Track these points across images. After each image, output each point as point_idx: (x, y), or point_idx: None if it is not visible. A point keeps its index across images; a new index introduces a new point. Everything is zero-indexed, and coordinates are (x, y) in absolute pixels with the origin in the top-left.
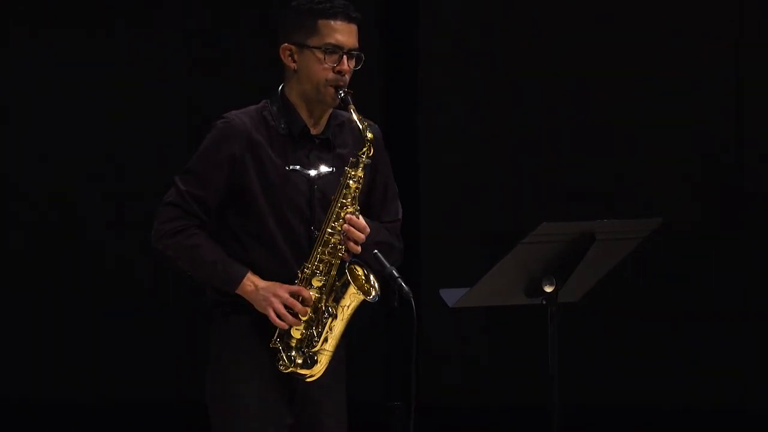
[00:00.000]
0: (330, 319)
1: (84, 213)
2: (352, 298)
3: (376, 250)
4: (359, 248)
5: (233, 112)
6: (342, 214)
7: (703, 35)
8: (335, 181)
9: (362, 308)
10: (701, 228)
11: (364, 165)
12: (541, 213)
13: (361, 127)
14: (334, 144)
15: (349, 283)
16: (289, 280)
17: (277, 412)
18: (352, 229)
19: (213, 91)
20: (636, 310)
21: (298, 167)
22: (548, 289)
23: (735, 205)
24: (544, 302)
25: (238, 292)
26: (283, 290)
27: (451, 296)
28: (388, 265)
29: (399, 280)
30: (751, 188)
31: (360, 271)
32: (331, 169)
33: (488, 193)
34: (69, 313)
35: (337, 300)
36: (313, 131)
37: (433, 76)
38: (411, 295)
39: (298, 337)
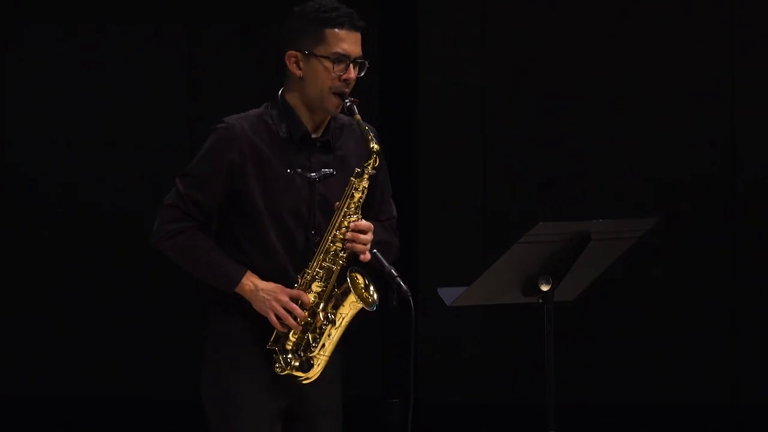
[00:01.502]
0: (329, 326)
1: (84, 211)
2: (351, 306)
3: (374, 250)
4: (368, 255)
5: (234, 116)
6: (345, 223)
7: (698, 41)
8: (336, 183)
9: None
10: (694, 228)
11: (369, 176)
12: (538, 212)
13: (367, 137)
14: (335, 146)
15: (350, 290)
16: (287, 284)
17: (271, 408)
18: (359, 235)
19: (214, 88)
20: (631, 309)
21: (299, 170)
22: (544, 287)
23: (728, 205)
24: (540, 301)
25: (237, 291)
26: (283, 294)
27: (449, 295)
28: (387, 265)
29: (398, 279)
30: (744, 191)
31: (361, 280)
32: (331, 171)
33: (486, 193)
34: (69, 310)
35: (337, 307)
36: (314, 135)
37: (431, 75)
38: (410, 294)
39: (295, 340)
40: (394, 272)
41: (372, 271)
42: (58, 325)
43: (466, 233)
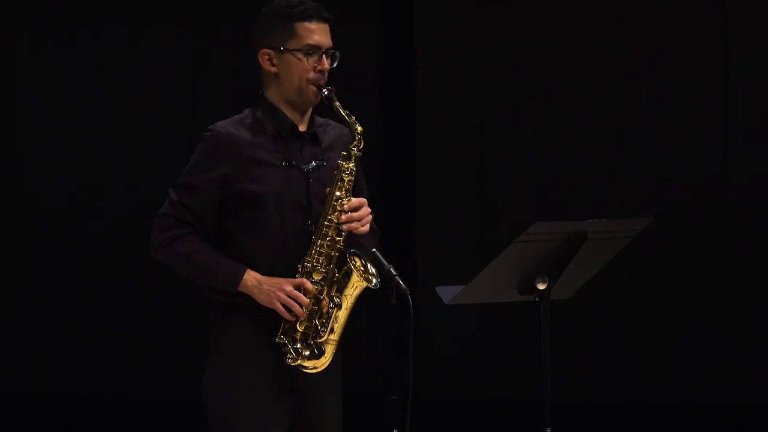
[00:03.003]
0: (335, 309)
1: (84, 209)
2: (355, 287)
3: (374, 249)
4: (367, 227)
5: (219, 122)
6: (338, 207)
7: (693, 48)
8: (327, 174)
9: (360, 304)
10: (689, 227)
11: (356, 157)
12: (534, 212)
13: (350, 120)
14: (321, 140)
15: (352, 271)
16: (291, 275)
17: (275, 410)
18: (353, 214)
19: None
20: (627, 307)
21: (293, 162)
22: (541, 286)
23: (721, 206)
24: (536, 299)
25: (240, 289)
26: (287, 284)
27: (447, 293)
28: (386, 264)
29: (396, 278)
30: (737, 192)
31: (358, 262)
32: (322, 162)
33: (483, 193)
34: (69, 308)
35: (341, 290)
36: (301, 128)
37: (430, 77)
38: (408, 293)
39: (302, 330)
40: (393, 271)
41: (368, 253)
42: (60, 322)
43: (463, 233)
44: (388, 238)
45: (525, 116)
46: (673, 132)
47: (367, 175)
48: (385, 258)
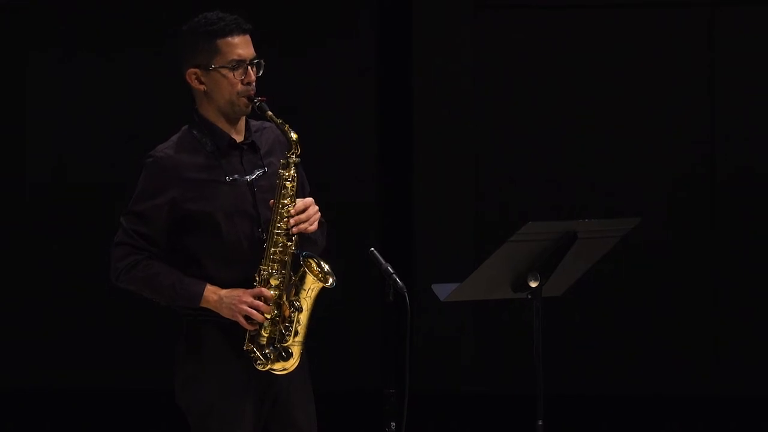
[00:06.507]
0: (296, 313)
1: (81, 207)
2: (312, 289)
3: (372, 248)
4: (316, 225)
5: (159, 147)
6: (285, 213)
7: (679, 55)
8: (270, 179)
9: (359, 302)
10: (677, 227)
11: (295, 164)
12: (528, 212)
13: (284, 129)
14: (259, 146)
15: (306, 273)
16: (250, 284)
17: (250, 414)
18: (301, 217)
19: None
20: (618, 303)
21: (236, 176)
22: (533, 284)
23: (708, 204)
24: (529, 296)
25: (202, 305)
26: (246, 295)
27: (443, 291)
28: (383, 263)
29: (394, 276)
30: (724, 190)
31: (313, 263)
32: (264, 170)
33: (478, 194)
34: (67, 304)
35: (298, 293)
36: (238, 139)
37: (428, 81)
38: (405, 290)
39: (267, 335)
40: (390, 269)
41: (324, 253)
42: (60, 318)
43: (459, 232)
44: (387, 238)
45: (519, 118)
46: (660, 134)
47: (367, 177)
48: (383, 256)
